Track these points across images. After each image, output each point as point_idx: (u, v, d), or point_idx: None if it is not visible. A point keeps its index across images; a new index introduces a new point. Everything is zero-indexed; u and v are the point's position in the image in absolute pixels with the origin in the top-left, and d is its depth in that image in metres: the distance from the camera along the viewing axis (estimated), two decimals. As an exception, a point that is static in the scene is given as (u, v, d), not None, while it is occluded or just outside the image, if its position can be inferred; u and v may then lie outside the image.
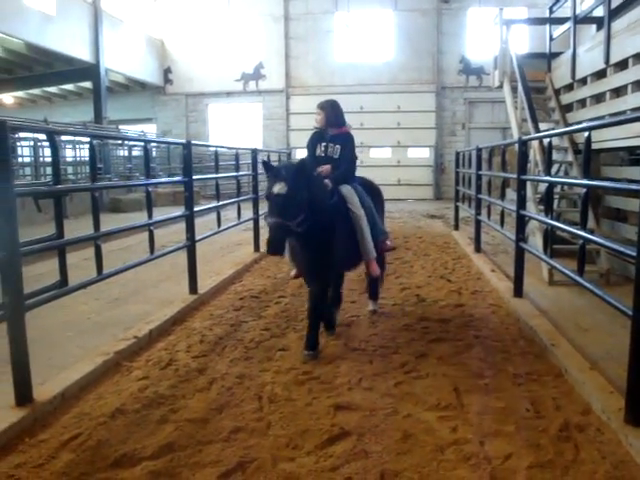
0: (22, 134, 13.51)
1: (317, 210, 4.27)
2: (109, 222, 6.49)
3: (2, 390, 3.50)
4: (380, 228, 5.20)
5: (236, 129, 22.95)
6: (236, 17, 22.63)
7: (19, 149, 14.42)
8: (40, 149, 14.15)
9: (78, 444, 3.10)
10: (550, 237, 5.46)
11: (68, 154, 16.95)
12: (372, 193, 5.37)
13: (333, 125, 5.09)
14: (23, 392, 3.42)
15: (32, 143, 14.14)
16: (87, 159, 15.89)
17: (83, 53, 17.78)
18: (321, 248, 4.45)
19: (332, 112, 5.10)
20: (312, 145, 5.18)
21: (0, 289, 3.36)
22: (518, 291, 6.01)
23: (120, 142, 17.72)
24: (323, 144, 5.08)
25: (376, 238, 5.01)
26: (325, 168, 4.86)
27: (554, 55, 10.41)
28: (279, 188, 4.01)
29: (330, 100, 5.24)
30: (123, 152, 18.73)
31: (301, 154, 22.34)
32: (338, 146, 5.02)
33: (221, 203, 7.61)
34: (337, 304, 5.38)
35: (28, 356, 3.46)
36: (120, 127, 19.81)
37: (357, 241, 4.83)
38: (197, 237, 6.45)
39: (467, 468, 2.86)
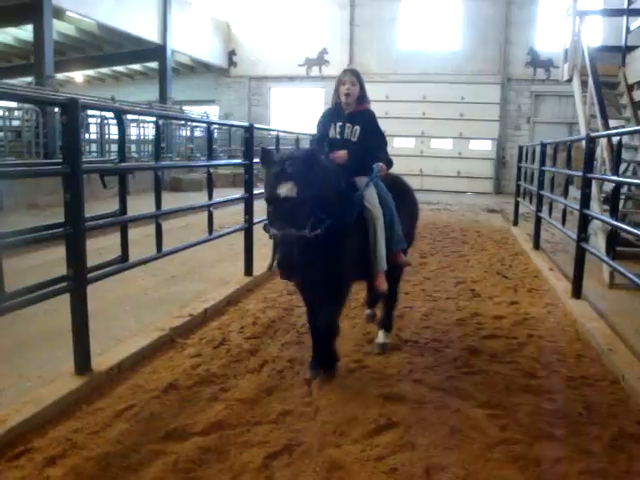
0: (90, 111, 13.91)
1: (332, 209, 3.47)
2: (169, 201, 6.62)
3: (64, 358, 3.66)
4: (399, 236, 4.12)
5: (298, 114, 23.02)
6: (301, 2, 22.62)
7: (87, 126, 14.87)
8: (106, 126, 14.55)
9: (132, 415, 3.21)
10: (614, 238, 5.28)
11: (133, 132, 17.38)
12: (400, 195, 4.29)
13: (358, 101, 4.12)
14: (82, 361, 3.56)
15: (99, 120, 14.56)
16: (150, 138, 16.27)
17: (151, 34, 18.16)
18: (337, 256, 3.56)
19: (363, 83, 4.12)
20: (324, 125, 4.16)
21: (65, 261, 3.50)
22: (577, 292, 5.84)
23: (183, 123, 18.04)
24: (339, 124, 4.07)
25: (390, 248, 4.01)
26: (340, 154, 3.91)
27: (630, 49, 10.00)
28: (287, 189, 3.14)
29: (354, 68, 4.34)
30: (185, 132, 19.07)
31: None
32: (357, 127, 4.03)
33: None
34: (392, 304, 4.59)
35: (88, 327, 3.59)
36: (183, 108, 20.17)
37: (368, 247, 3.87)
38: (255, 220, 6.51)
39: (515, 469, 2.81)
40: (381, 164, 4.09)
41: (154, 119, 5.27)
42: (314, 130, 4.31)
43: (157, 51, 19.04)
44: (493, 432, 3.16)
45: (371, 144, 4.10)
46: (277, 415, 3.26)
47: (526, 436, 3.12)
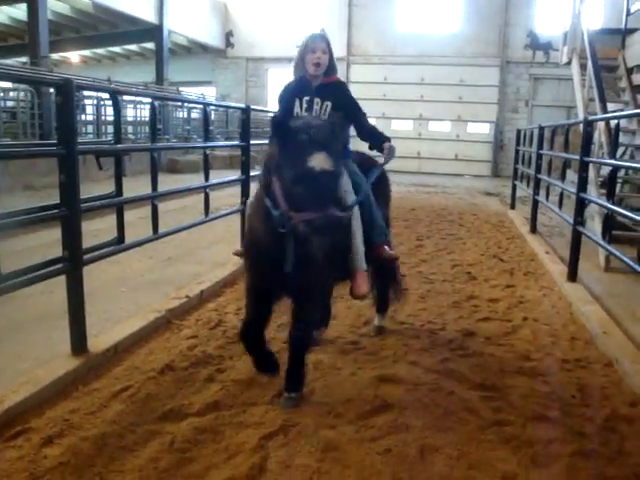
0: (86, 92, 13.82)
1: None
2: (166, 182, 6.61)
3: (60, 339, 3.67)
4: (380, 227, 3.61)
5: (294, 96, 22.86)
6: (300, -18, 22.41)
7: (82, 107, 14.78)
8: (102, 108, 14.46)
9: (128, 395, 3.22)
10: (610, 222, 5.29)
11: (129, 114, 17.28)
12: (371, 175, 3.52)
13: (327, 72, 3.56)
14: (79, 342, 3.57)
15: (95, 101, 14.46)
16: (147, 119, 16.19)
17: (147, 14, 17.99)
18: (331, 250, 2.97)
19: (332, 51, 3.56)
20: (287, 100, 3.56)
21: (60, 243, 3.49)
22: (572, 275, 5.86)
23: (180, 104, 17.95)
24: (305, 99, 3.49)
25: (371, 241, 3.52)
26: None
27: (630, 31, 9.93)
28: (324, 161, 2.65)
29: (323, 32, 3.60)
30: (182, 114, 18.97)
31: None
32: (328, 102, 3.46)
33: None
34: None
35: (84, 308, 3.60)
36: (180, 89, 20.05)
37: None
38: (251, 202, 6.48)
39: (507, 450, 2.84)
40: (391, 144, 3.51)
41: (150, 100, 5.24)
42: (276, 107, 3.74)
43: (153, 31, 18.88)
44: (487, 414, 3.18)
45: (361, 121, 3.62)
46: (272, 396, 3.27)
47: (519, 418, 3.14)
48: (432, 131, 21.51)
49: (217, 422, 2.99)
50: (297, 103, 3.49)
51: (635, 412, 3.27)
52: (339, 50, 22.05)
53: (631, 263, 4.31)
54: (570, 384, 3.62)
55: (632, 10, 10.10)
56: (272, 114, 3.29)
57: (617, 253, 4.73)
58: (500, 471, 2.66)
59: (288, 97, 3.56)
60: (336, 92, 3.53)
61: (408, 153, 19.59)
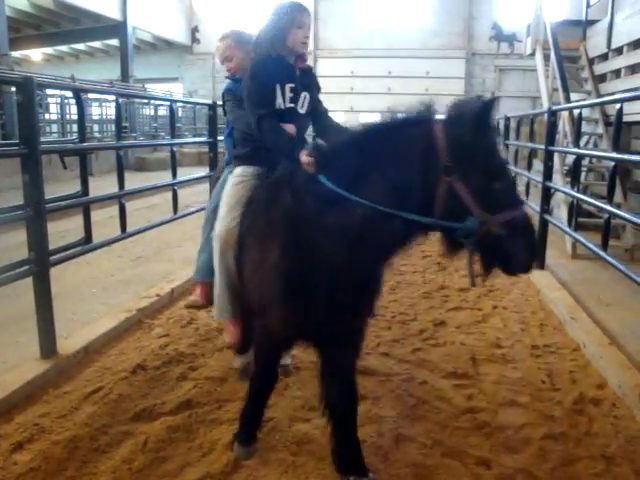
0: (49, 91, 13.58)
1: None
2: (134, 181, 6.54)
3: (28, 343, 3.61)
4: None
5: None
6: (265, -24, 22.30)
7: (46, 106, 14.51)
8: (67, 106, 14.22)
9: (100, 397, 3.19)
10: (575, 210, 5.39)
11: (94, 112, 17.03)
12: None
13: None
14: (48, 345, 3.51)
15: (59, 100, 14.22)
16: (113, 117, 15.96)
17: (110, 10, 17.72)
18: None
19: None
20: (270, 85, 2.70)
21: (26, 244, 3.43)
22: (540, 263, 5.95)
23: (146, 101, 17.73)
24: (290, 86, 2.75)
25: None
26: (290, 128, 2.71)
27: (590, 23, 10.10)
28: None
29: None
30: (149, 111, 18.76)
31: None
32: (306, 93, 2.83)
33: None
34: None
35: (52, 310, 3.54)
36: (146, 86, 19.83)
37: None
38: (220, 198, 6.45)
39: (480, 436, 2.89)
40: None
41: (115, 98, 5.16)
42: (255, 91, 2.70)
43: (117, 28, 18.60)
44: (459, 402, 3.23)
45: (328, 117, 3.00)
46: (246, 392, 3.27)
47: (491, 404, 3.20)
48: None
49: (191, 420, 2.98)
50: (279, 91, 2.71)
51: (602, 394, 3.35)
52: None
53: (596, 249, 4.40)
54: (539, 369, 3.69)
55: (592, 2, 10.28)
56: (257, 104, 2.64)
57: (583, 240, 4.83)
58: (473, 457, 2.70)
59: (268, 81, 2.69)
60: (313, 81, 2.93)
61: (377, 146, 19.67)
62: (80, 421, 2.92)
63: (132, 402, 3.14)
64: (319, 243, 2.26)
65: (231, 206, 2.74)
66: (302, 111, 2.83)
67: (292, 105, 2.77)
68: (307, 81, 2.85)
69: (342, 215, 2.21)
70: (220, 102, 3.27)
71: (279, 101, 2.72)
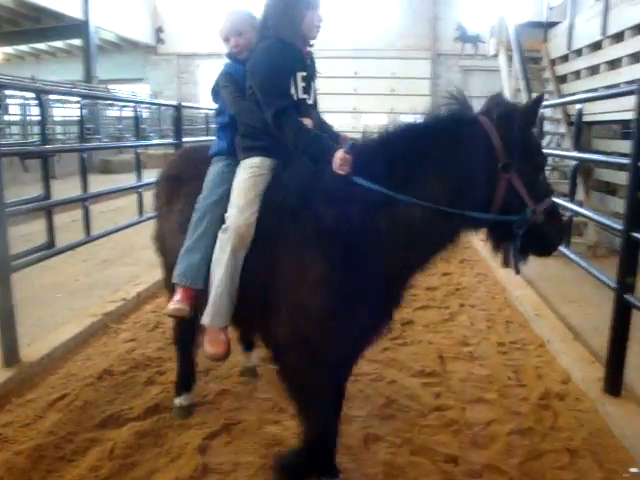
0: (9, 92, 13.28)
1: None
2: (98, 183, 6.44)
3: (-11, 350, 3.52)
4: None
5: (228, 92, 22.67)
6: (230, -24, 22.18)
7: (6, 107, 14.19)
8: (28, 108, 13.93)
9: (65, 404, 3.13)
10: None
11: (57, 113, 16.71)
12: None
13: None
14: (10, 353, 3.44)
15: (20, 101, 13.92)
16: (76, 118, 15.71)
17: (72, 9, 17.39)
18: None
19: None
20: (288, 73, 2.43)
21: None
22: (505, 261, 6.04)
23: (110, 102, 17.48)
24: (301, 74, 2.48)
25: None
26: (309, 122, 2.44)
27: (551, 25, 10.29)
28: None
29: None
30: (113, 112, 18.48)
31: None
32: (313, 82, 2.62)
33: (212, 167, 7.53)
34: None
35: (14, 317, 3.46)
36: (110, 87, 19.52)
37: None
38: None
39: (448, 434, 2.92)
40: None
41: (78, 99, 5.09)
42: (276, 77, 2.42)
43: (80, 27, 18.26)
44: (427, 400, 3.26)
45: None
46: (215, 395, 3.26)
47: (459, 402, 3.24)
48: (367, 124, 21.71)
49: (159, 425, 2.95)
50: (292, 81, 2.45)
51: (566, 389, 3.42)
52: (272, 45, 21.95)
53: (560, 247, 4.48)
54: (506, 366, 3.74)
55: (552, 5, 10.48)
56: (277, 95, 2.37)
57: (546, 238, 4.91)
58: (442, 455, 2.73)
59: (285, 69, 2.42)
60: (315, 69, 2.66)
61: (344, 147, 19.79)
62: (44, 429, 2.87)
63: (98, 408, 3.10)
64: (371, 251, 2.16)
65: (250, 199, 2.38)
66: (311, 102, 2.59)
67: (305, 96, 2.51)
68: (313, 69, 2.62)
69: (397, 218, 2.13)
70: (214, 87, 2.74)
71: (292, 91, 2.45)
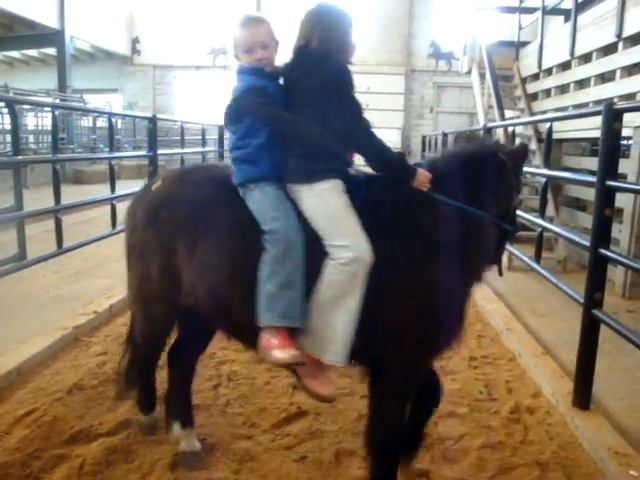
0: (-19, 100, 13.10)
1: None
2: (71, 194, 6.38)
3: (-44, 363, 3.45)
4: None
5: (204, 104, 22.64)
6: (207, -11, 22.20)
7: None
8: (0, 116, 13.74)
9: (33, 420, 3.07)
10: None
11: (30, 122, 16.50)
12: None
13: None
14: (-23, 366, 3.37)
15: (-9, 110, 13.72)
16: (49, 128, 15.52)
17: (47, 18, 17.21)
18: None
19: None
20: None
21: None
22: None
23: (84, 112, 17.32)
24: None
25: None
26: None
27: (522, 44, 10.52)
28: None
29: None
30: (87, 122, 18.30)
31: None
32: None
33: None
34: None
35: (-17, 330, 3.41)
36: (85, 96, 19.34)
37: None
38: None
39: (420, 448, 2.93)
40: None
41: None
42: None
43: (54, 36, 18.06)
44: (400, 414, 3.27)
45: None
46: (187, 410, 3.22)
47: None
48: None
49: (129, 441, 2.91)
50: None
51: (536, 403, 3.47)
52: (248, 58, 21.98)
53: (530, 262, 4.55)
54: (477, 380, 3.78)
55: (524, 25, 10.71)
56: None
57: (517, 253, 4.99)
58: (414, 469, 2.74)
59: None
60: None
61: (320, 160, 19.90)
62: (10, 446, 2.80)
63: (67, 424, 3.05)
64: (460, 261, 2.32)
65: (357, 223, 2.27)
66: None
67: None
68: None
69: (483, 234, 2.45)
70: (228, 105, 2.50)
71: None
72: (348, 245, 2.20)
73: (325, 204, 2.30)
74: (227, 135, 2.73)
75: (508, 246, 5.31)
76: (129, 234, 2.67)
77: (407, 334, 2.28)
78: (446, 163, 2.53)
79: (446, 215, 2.34)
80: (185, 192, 2.49)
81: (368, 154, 2.42)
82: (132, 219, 2.64)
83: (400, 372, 2.34)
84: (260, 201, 2.34)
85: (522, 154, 2.69)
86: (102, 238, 5.38)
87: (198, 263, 2.36)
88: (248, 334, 2.35)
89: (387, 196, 2.39)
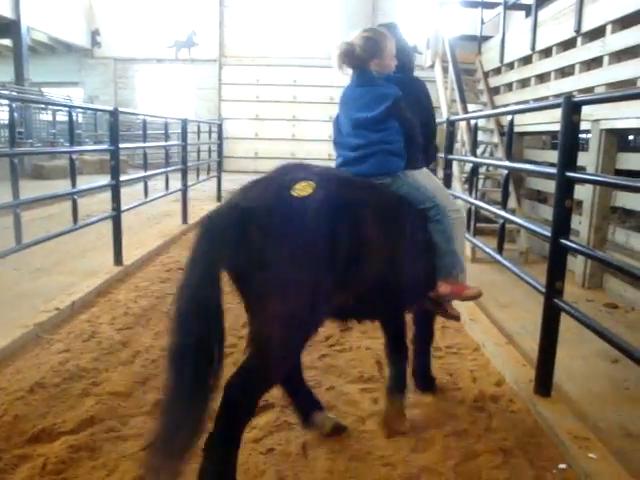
0: None
1: None
2: (31, 189, 6.24)
3: None
4: None
5: (167, 97, 22.36)
6: (169, -19, 21.88)
7: None
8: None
9: (-7, 420, 3.00)
10: (474, 216, 5.64)
11: (-15, 116, 16.07)
12: None
13: None
14: None
15: (-55, 103, 13.32)
16: (6, 122, 15.13)
17: (1, 7, 16.72)
18: None
19: None
20: None
21: None
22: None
23: (43, 106, 16.93)
24: None
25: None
26: None
27: (485, 38, 10.64)
28: None
29: None
30: (47, 116, 17.90)
31: (234, 125, 22.12)
32: None
33: (149, 173, 7.43)
34: None
35: (-61, 328, 3.32)
36: (44, 90, 18.90)
37: None
38: (123, 207, 6.29)
39: (387, 438, 2.96)
40: None
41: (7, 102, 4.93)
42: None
43: (9, 27, 17.55)
44: (366, 405, 3.30)
45: None
46: (152, 406, 3.18)
47: (397, 406, 3.28)
48: (306, 132, 21.82)
49: (94, 438, 2.86)
50: None
51: (500, 391, 3.53)
52: (210, 51, 21.82)
53: (493, 253, 4.62)
54: (442, 370, 3.83)
55: (486, 20, 10.84)
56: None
57: (480, 244, 5.06)
58: (380, 459, 2.76)
59: None
60: None
61: (282, 154, 19.87)
62: (-29, 446, 2.74)
63: (29, 423, 2.98)
64: None
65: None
66: None
67: None
68: None
69: None
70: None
71: None
72: (458, 209, 2.93)
73: (435, 180, 2.97)
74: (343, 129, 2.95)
75: (471, 238, 5.42)
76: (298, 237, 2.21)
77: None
78: None
79: None
80: (353, 195, 2.42)
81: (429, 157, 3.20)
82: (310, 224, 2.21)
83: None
84: (421, 180, 2.78)
85: None
86: (63, 234, 5.27)
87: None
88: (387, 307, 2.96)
89: None
